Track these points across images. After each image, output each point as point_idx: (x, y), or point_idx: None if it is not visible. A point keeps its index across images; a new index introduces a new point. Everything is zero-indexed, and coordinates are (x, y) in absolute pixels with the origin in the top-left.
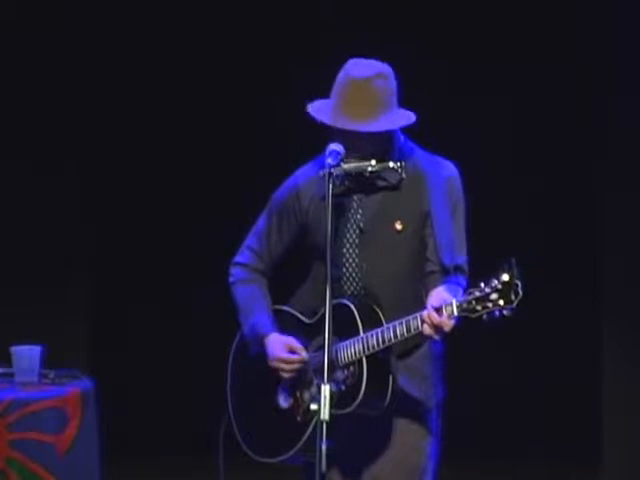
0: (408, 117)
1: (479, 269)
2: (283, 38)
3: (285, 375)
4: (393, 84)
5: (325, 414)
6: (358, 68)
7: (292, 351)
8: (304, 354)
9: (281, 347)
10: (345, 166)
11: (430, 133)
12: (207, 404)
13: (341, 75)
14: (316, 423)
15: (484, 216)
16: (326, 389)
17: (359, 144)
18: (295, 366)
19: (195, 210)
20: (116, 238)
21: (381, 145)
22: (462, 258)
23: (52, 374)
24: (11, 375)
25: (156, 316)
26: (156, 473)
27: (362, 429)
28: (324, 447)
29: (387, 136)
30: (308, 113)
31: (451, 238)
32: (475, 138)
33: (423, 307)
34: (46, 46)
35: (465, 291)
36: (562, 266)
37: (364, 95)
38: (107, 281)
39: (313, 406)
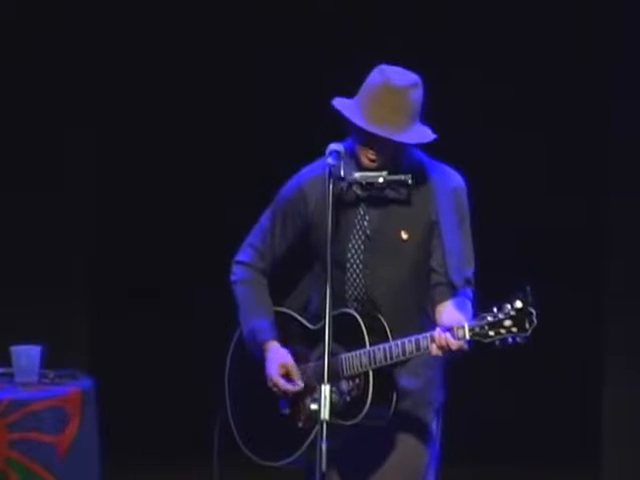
0: (429, 133)
1: (481, 274)
2: (287, 38)
3: (279, 396)
4: (422, 97)
5: (325, 414)
6: (396, 76)
7: (288, 375)
8: (299, 384)
9: (277, 367)
10: (357, 175)
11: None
12: (207, 404)
13: (377, 79)
14: (316, 431)
15: (485, 219)
16: (326, 389)
17: (379, 148)
18: (288, 394)
19: (195, 210)
20: (116, 238)
21: (396, 153)
22: (470, 270)
23: (52, 374)
24: (11, 375)
25: (156, 316)
26: (156, 473)
27: (363, 432)
28: (324, 447)
29: (404, 146)
30: (335, 109)
31: (459, 251)
32: (475, 140)
33: (425, 317)
34: (48, 45)
35: (475, 314)
36: (562, 267)
37: (400, 103)
38: (107, 281)
39: (313, 406)
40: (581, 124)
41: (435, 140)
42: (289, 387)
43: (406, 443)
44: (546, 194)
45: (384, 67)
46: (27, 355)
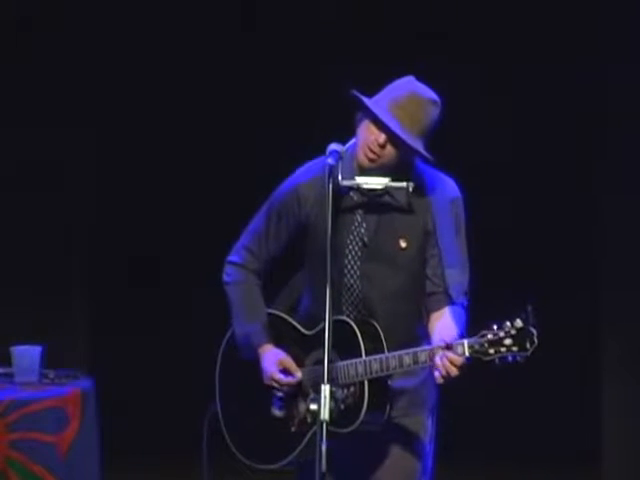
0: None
1: (479, 277)
2: (285, 38)
3: (279, 394)
4: (437, 118)
5: (325, 414)
6: (420, 88)
7: (286, 370)
8: (298, 375)
9: (275, 365)
10: (358, 180)
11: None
12: (207, 404)
13: (404, 85)
14: (312, 432)
15: (482, 220)
16: (326, 389)
17: (385, 153)
18: (288, 388)
19: (194, 209)
20: (116, 238)
21: (402, 163)
22: (466, 281)
23: (52, 374)
24: (11, 375)
25: (156, 316)
26: (155, 473)
27: (357, 434)
28: (324, 447)
29: (411, 158)
30: (357, 98)
31: (457, 263)
32: (474, 140)
33: (422, 325)
34: (48, 46)
35: (473, 332)
36: (562, 266)
37: (419, 113)
38: (107, 281)
39: (313, 406)
40: (580, 124)
41: (433, 163)
42: (289, 379)
43: (401, 442)
44: (540, 193)
45: (413, 79)
46: (27, 355)
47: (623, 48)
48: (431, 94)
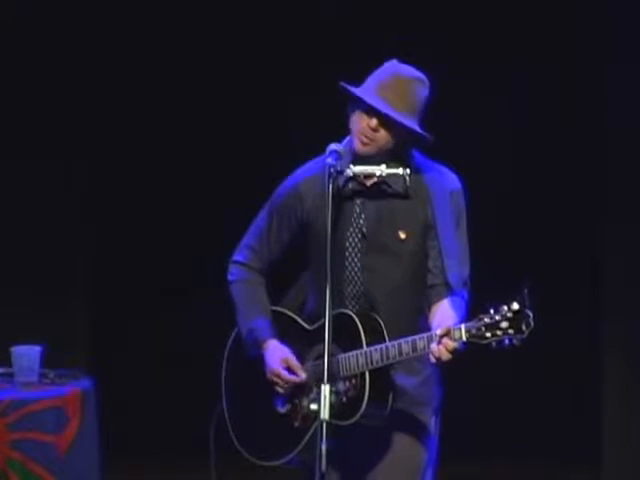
0: (426, 134)
1: (479, 273)
2: (286, 37)
3: (280, 390)
4: (427, 96)
5: (325, 414)
6: (404, 68)
7: (290, 368)
8: (302, 376)
9: (279, 361)
10: (355, 168)
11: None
12: (207, 404)
13: (387, 69)
14: (315, 427)
15: (483, 217)
16: (326, 389)
17: (379, 137)
18: (290, 385)
19: (195, 209)
20: (116, 238)
21: (395, 147)
22: (466, 272)
23: (52, 374)
24: (11, 375)
25: (156, 316)
26: (156, 473)
27: (361, 431)
28: (324, 447)
29: (404, 140)
30: (344, 88)
31: (456, 253)
32: (473, 139)
33: (423, 317)
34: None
35: (472, 315)
36: (562, 265)
37: (406, 92)
38: (107, 281)
39: (313, 406)
40: (580, 122)
41: (430, 141)
42: (293, 378)
43: (404, 441)
44: (542, 188)
45: (396, 62)
46: (27, 355)
47: (624, 49)
48: (416, 73)
